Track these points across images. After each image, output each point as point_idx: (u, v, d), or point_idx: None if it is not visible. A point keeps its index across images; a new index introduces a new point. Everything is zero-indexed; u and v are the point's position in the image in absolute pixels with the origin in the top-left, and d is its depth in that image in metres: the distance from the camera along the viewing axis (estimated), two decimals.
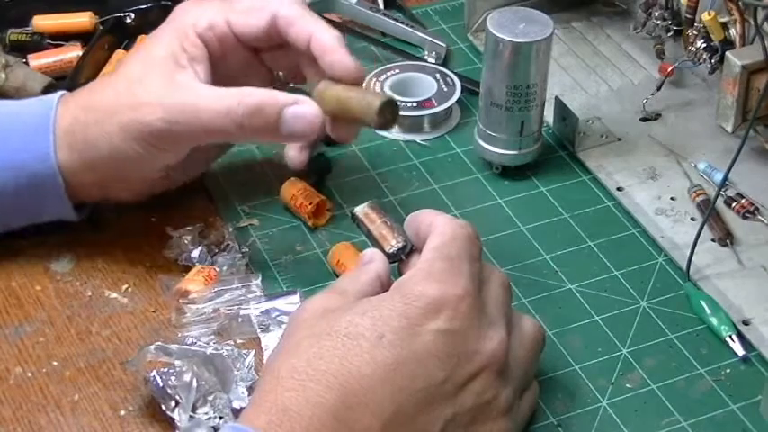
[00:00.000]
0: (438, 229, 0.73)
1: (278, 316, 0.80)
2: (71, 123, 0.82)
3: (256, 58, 0.86)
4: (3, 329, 0.81)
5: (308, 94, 0.83)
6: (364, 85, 0.84)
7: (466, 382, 0.68)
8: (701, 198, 0.90)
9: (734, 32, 0.92)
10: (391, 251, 0.75)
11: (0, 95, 0.97)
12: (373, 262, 0.74)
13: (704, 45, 0.95)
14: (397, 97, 0.98)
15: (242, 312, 0.80)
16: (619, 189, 0.92)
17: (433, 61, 1.05)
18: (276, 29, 0.83)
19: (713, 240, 0.87)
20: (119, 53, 1.04)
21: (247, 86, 0.81)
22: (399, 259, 0.75)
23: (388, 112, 0.79)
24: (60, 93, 0.85)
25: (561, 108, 0.96)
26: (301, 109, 0.80)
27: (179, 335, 0.80)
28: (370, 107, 0.79)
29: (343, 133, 0.83)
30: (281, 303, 0.81)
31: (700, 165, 0.94)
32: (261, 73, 0.87)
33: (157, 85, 0.81)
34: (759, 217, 0.89)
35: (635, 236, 0.89)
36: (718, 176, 0.91)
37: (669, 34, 1.01)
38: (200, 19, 0.83)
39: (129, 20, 1.07)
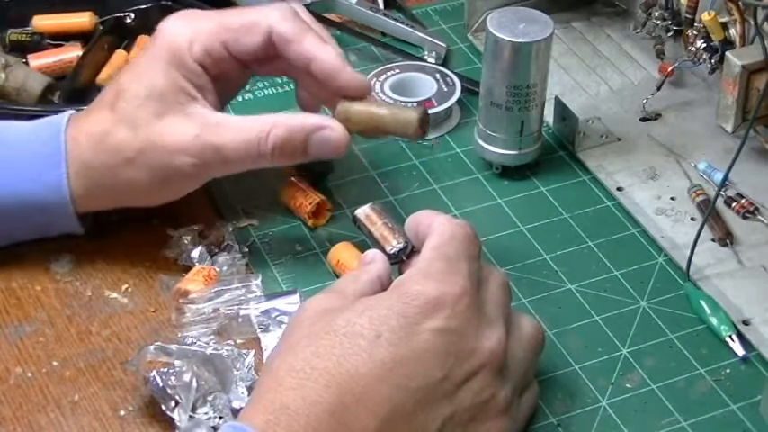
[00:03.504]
0: (437, 229, 0.73)
1: (278, 316, 0.80)
2: (84, 168, 0.81)
3: (245, 67, 0.86)
4: (3, 329, 0.81)
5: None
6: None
7: (464, 380, 0.68)
8: (700, 198, 0.90)
9: (734, 32, 0.92)
10: (392, 252, 0.75)
11: (0, 95, 0.97)
12: (374, 262, 0.74)
13: (704, 45, 0.95)
14: (396, 97, 0.98)
15: (242, 312, 0.80)
16: (619, 189, 0.92)
17: (433, 61, 1.05)
18: (273, 45, 0.83)
19: (713, 240, 0.87)
20: (119, 53, 1.04)
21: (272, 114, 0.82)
22: (400, 260, 0.75)
23: (426, 123, 0.81)
24: (67, 114, 0.83)
25: (561, 108, 0.96)
26: (328, 134, 0.81)
27: (179, 335, 0.80)
28: (410, 123, 0.80)
29: None
30: (281, 303, 0.81)
31: (700, 165, 0.94)
32: (246, 77, 0.88)
33: (178, 124, 0.80)
34: (759, 217, 0.89)
35: (635, 236, 0.89)
36: (719, 176, 0.91)
37: (669, 34, 1.01)
38: (195, 43, 0.82)
39: (129, 20, 1.07)
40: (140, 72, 0.82)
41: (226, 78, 0.84)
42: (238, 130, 0.81)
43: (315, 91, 0.86)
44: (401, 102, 0.97)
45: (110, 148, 0.81)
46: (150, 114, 0.80)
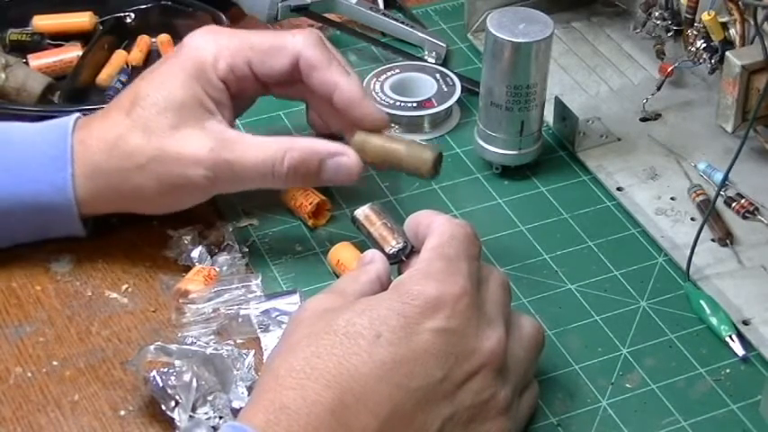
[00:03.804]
0: (437, 229, 0.73)
1: (278, 316, 0.80)
2: (92, 170, 0.81)
3: (264, 88, 0.86)
4: (3, 329, 0.81)
5: (340, 138, 0.86)
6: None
7: (464, 380, 0.68)
8: (701, 198, 0.90)
9: (734, 32, 0.92)
10: (391, 252, 0.75)
11: (0, 95, 0.97)
12: (373, 263, 0.74)
13: (704, 45, 0.95)
14: (397, 97, 0.98)
15: (242, 312, 0.80)
16: (619, 189, 0.92)
17: (433, 61, 1.05)
18: (297, 70, 0.84)
19: (713, 240, 0.87)
20: (119, 53, 1.04)
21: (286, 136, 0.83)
22: (400, 260, 0.75)
23: (439, 164, 0.82)
24: (74, 117, 0.83)
25: (561, 108, 0.96)
26: (342, 161, 0.81)
27: (179, 335, 0.80)
28: (424, 163, 0.82)
29: None
30: (281, 303, 0.81)
31: (700, 165, 0.94)
32: (259, 96, 0.88)
33: (194, 137, 0.80)
34: (759, 217, 0.89)
35: (635, 236, 0.89)
36: (719, 176, 0.91)
37: (669, 34, 1.01)
38: (220, 59, 0.82)
39: (129, 20, 1.07)
40: (161, 81, 0.82)
41: (242, 96, 0.85)
42: (254, 148, 0.81)
43: (328, 117, 0.87)
44: (402, 102, 0.97)
45: (122, 153, 0.81)
46: (166, 124, 0.81)
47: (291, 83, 0.85)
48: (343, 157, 0.81)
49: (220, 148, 0.80)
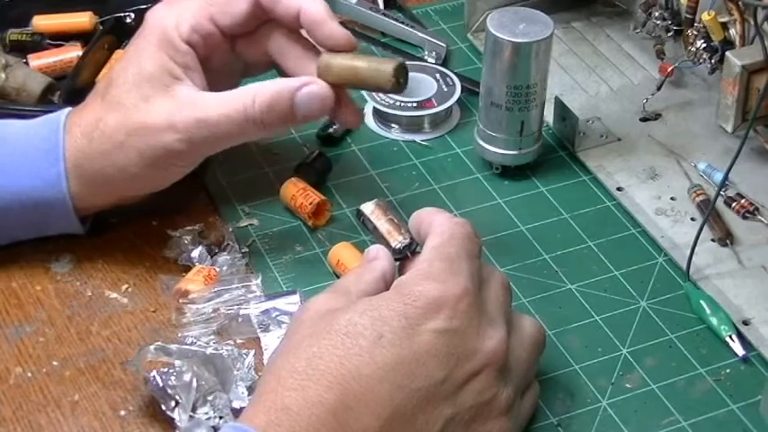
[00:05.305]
0: (437, 228, 0.73)
1: (278, 316, 0.80)
2: (78, 157, 0.82)
3: (232, 48, 0.86)
4: (3, 329, 0.81)
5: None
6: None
7: (465, 381, 0.68)
8: (701, 198, 0.90)
9: (734, 32, 0.92)
10: (397, 247, 0.75)
11: (0, 96, 0.97)
12: (378, 259, 0.74)
13: (704, 45, 0.95)
14: (397, 97, 0.98)
15: (242, 312, 0.80)
16: (619, 189, 0.92)
17: (433, 61, 1.05)
18: (260, 8, 0.83)
19: (713, 240, 0.87)
20: (119, 53, 1.04)
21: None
22: (405, 256, 0.75)
23: (401, 75, 0.81)
24: (66, 111, 0.84)
25: (561, 108, 0.96)
26: (312, 89, 0.81)
27: (179, 335, 0.80)
28: (384, 74, 0.80)
29: (351, 117, 0.85)
30: (281, 303, 0.81)
31: (700, 165, 0.94)
32: (235, 63, 0.88)
33: (163, 104, 0.80)
34: (759, 217, 0.89)
35: (635, 236, 0.89)
36: (718, 176, 0.91)
37: (669, 34, 1.01)
38: (182, 23, 0.82)
39: (129, 20, 1.06)
40: (130, 59, 0.83)
41: (215, 61, 0.84)
42: (222, 101, 0.81)
43: (300, 69, 0.86)
44: (402, 102, 0.97)
45: (102, 135, 0.81)
46: (138, 98, 0.81)
47: (258, 31, 0.85)
48: (312, 85, 0.81)
49: (190, 109, 0.80)
